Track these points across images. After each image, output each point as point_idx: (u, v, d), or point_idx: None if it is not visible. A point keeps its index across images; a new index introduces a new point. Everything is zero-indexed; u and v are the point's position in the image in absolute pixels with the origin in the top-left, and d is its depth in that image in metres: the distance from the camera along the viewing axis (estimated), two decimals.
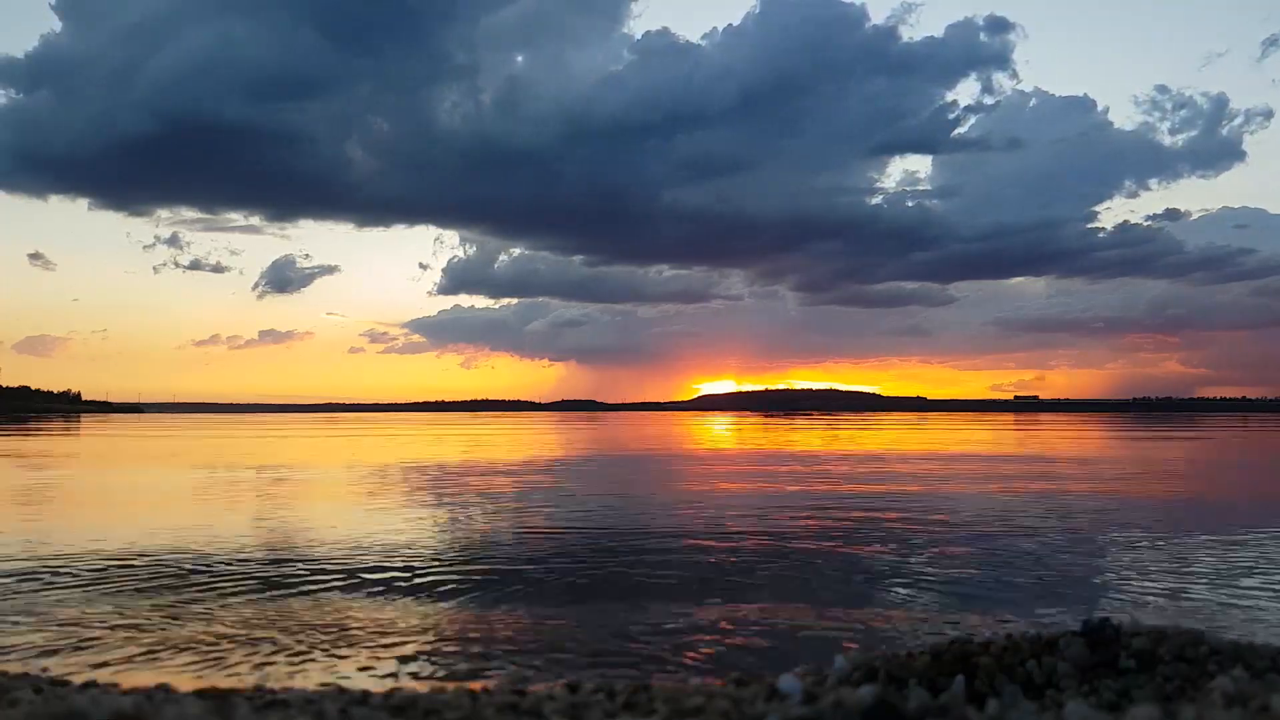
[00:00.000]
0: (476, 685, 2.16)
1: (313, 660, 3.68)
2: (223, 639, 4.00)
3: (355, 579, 5.46)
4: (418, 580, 5.45)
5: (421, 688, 2.17)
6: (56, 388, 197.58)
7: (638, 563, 6.05)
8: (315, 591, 5.08)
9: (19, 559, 6.11)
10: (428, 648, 3.92)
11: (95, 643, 3.93)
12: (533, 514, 8.86)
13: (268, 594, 5.01)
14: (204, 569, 5.75)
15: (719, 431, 38.26)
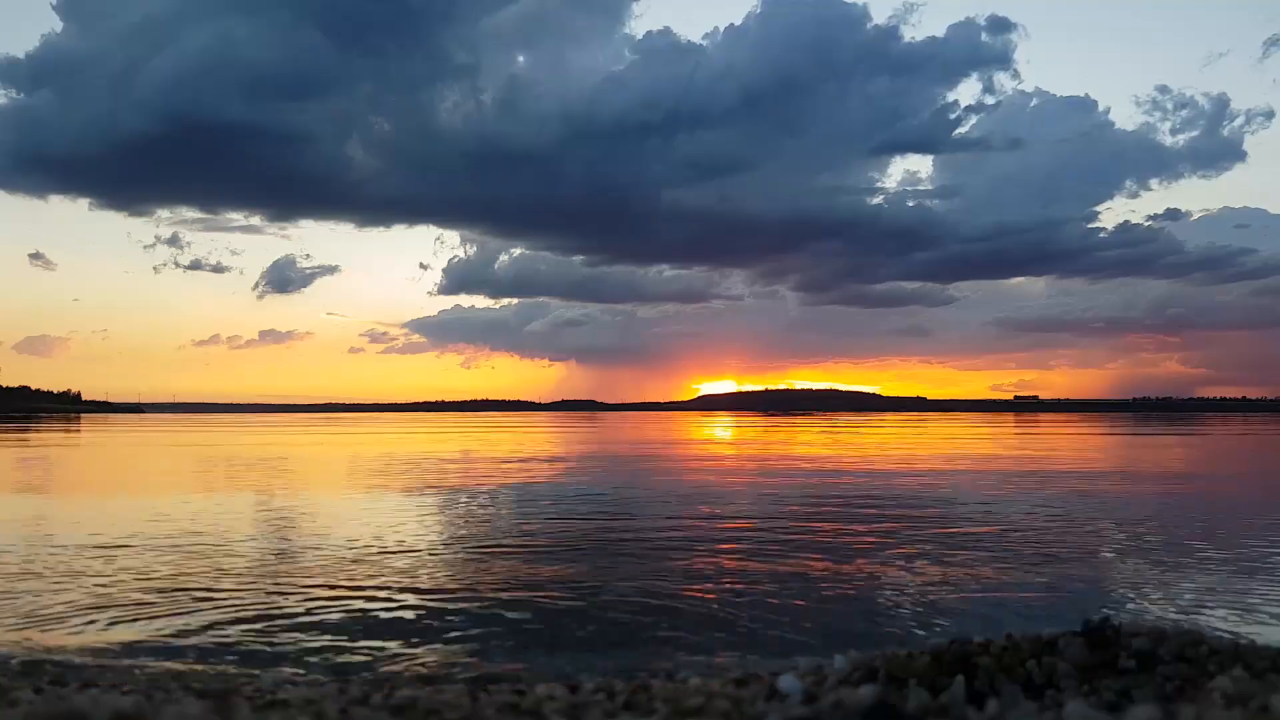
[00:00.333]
0: (476, 685, 2.16)
1: (312, 660, 3.68)
2: (224, 637, 4.00)
3: (355, 579, 5.46)
4: (418, 579, 5.45)
5: (421, 688, 2.17)
6: (57, 388, 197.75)
7: (639, 563, 6.04)
8: (315, 591, 5.08)
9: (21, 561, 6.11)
10: (429, 647, 3.92)
11: (95, 643, 3.93)
12: (534, 513, 8.86)
13: (268, 591, 5.01)
14: (205, 571, 5.76)
15: (724, 434, 38.28)
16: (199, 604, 4.74)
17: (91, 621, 4.35)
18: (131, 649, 3.85)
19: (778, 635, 4.18)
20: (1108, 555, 6.43)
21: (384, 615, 4.50)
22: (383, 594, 5.02)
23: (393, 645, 3.95)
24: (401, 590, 5.14)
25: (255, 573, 5.65)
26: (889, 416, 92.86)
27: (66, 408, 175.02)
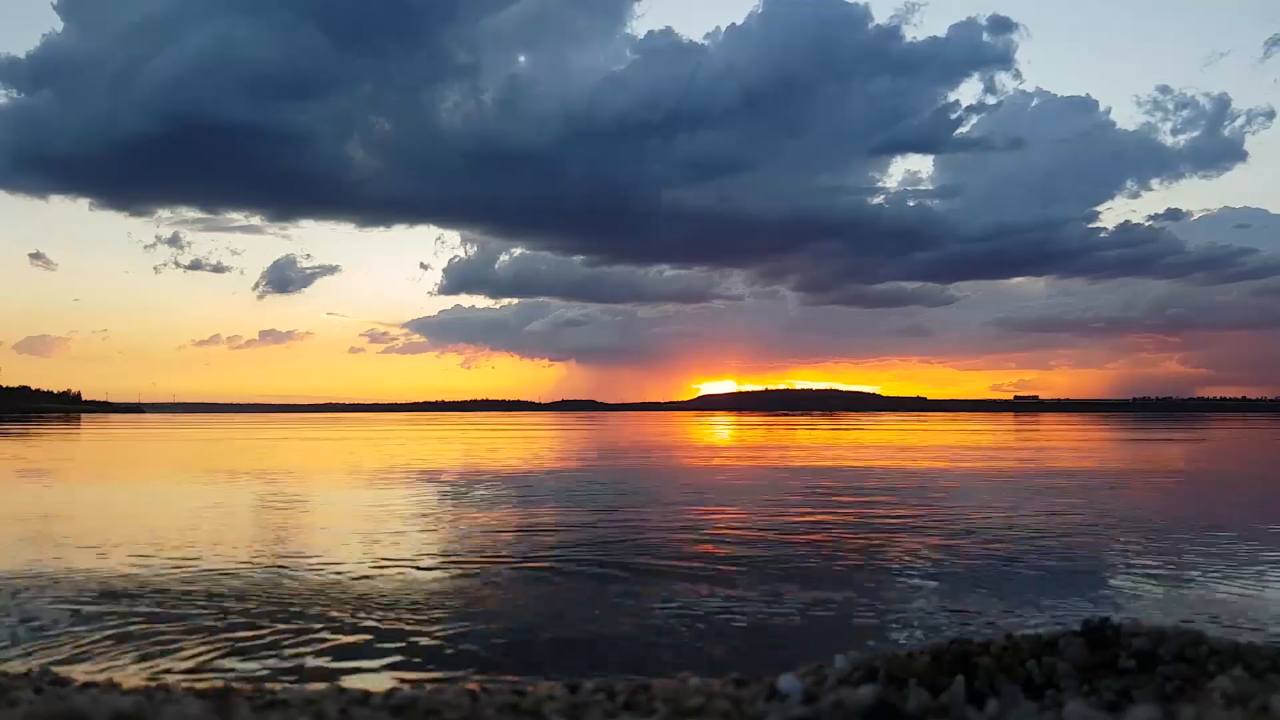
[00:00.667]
0: (476, 685, 2.16)
1: (312, 659, 3.69)
2: (224, 637, 4.00)
3: (355, 578, 5.46)
4: (418, 579, 5.45)
5: (421, 688, 2.17)
6: (57, 387, 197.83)
7: (641, 560, 6.04)
8: (315, 588, 5.08)
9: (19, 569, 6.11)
10: (429, 647, 3.92)
11: (95, 644, 3.93)
12: (534, 512, 8.86)
13: (269, 586, 5.01)
14: (207, 571, 5.76)
15: (724, 434, 38.27)
16: (199, 603, 4.74)
17: (91, 621, 4.35)
18: (131, 649, 3.85)
19: (777, 635, 4.18)
20: (1108, 555, 6.43)
21: (384, 615, 4.50)
22: (383, 594, 5.02)
23: (393, 645, 3.95)
24: (401, 590, 5.14)
25: (255, 572, 5.65)
26: (889, 416, 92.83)
27: (66, 408, 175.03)
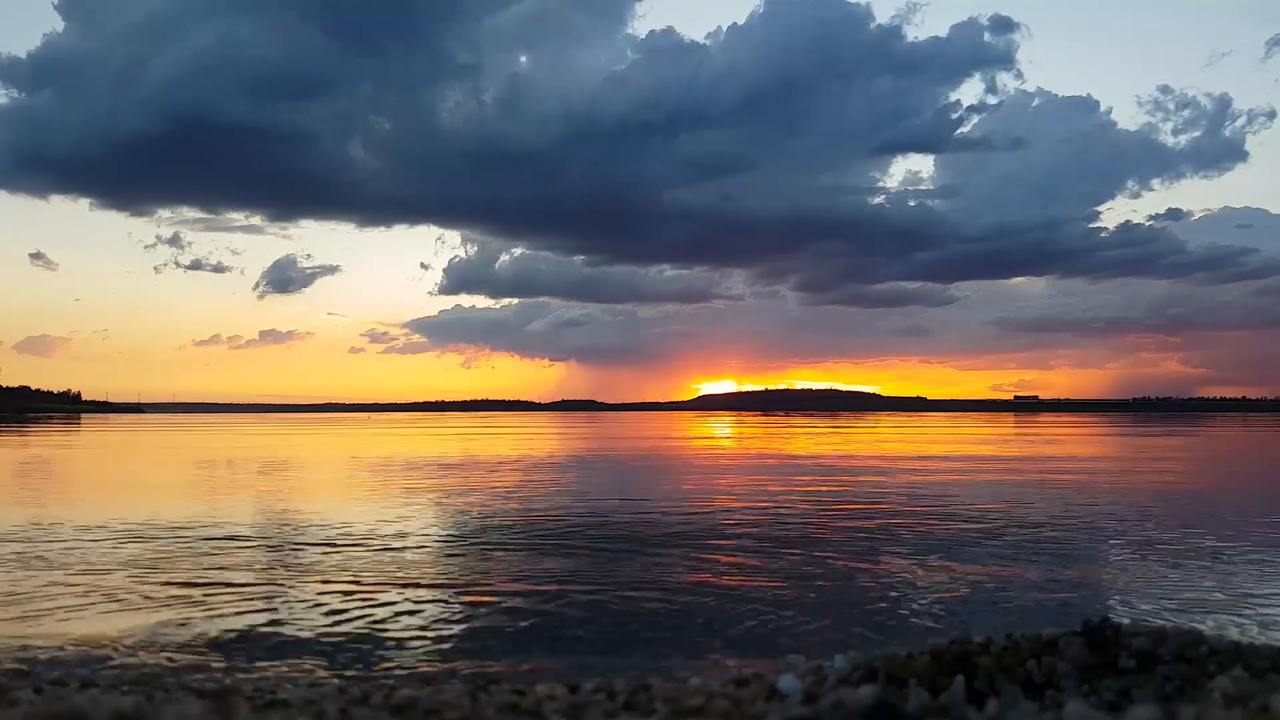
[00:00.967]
0: (476, 685, 2.16)
1: (312, 659, 3.68)
2: (223, 637, 4.00)
3: (354, 578, 5.46)
4: (418, 580, 5.45)
5: (421, 688, 2.17)
6: (57, 388, 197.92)
7: (639, 562, 6.04)
8: (315, 590, 5.08)
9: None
10: (429, 646, 3.92)
11: (96, 644, 3.93)
12: (534, 512, 8.86)
13: (268, 590, 5.01)
14: (214, 554, 5.76)
15: (724, 433, 38.26)
16: (199, 603, 4.74)
17: (92, 621, 4.35)
18: (131, 648, 3.85)
19: (778, 635, 4.18)
20: (1108, 555, 6.43)
21: (384, 615, 4.50)
22: (383, 594, 5.02)
23: (393, 645, 3.95)
24: (401, 590, 5.14)
25: (254, 572, 5.65)
26: (889, 417, 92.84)
27: (66, 408, 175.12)
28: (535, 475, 14.16)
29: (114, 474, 15.46)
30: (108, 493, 11.85)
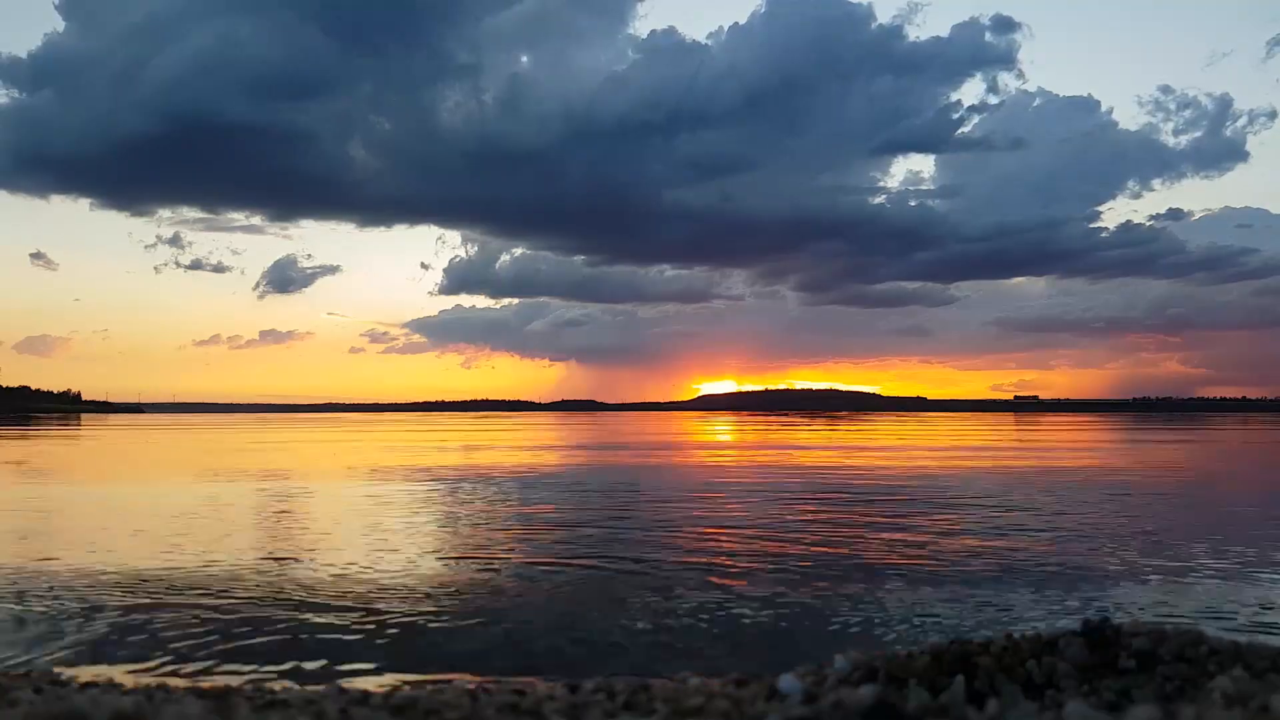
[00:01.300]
0: (476, 685, 2.16)
1: (312, 659, 3.68)
2: (223, 636, 4.00)
3: (354, 577, 5.46)
4: (418, 580, 5.45)
5: (421, 688, 2.17)
6: (57, 387, 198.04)
7: (639, 562, 6.04)
8: (315, 590, 5.08)
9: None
10: (429, 646, 3.92)
11: (95, 644, 3.93)
12: (534, 512, 8.86)
13: (270, 583, 5.01)
14: (210, 567, 5.76)
15: (723, 433, 38.28)
16: (198, 603, 4.74)
17: (91, 621, 4.35)
18: (131, 648, 3.85)
19: (778, 635, 4.18)
20: (1108, 555, 6.42)
21: (384, 614, 4.50)
22: (383, 594, 5.02)
23: (393, 644, 3.95)
24: (401, 590, 5.14)
25: (254, 571, 5.65)
26: (889, 417, 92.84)
27: (66, 408, 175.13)
28: (534, 477, 14.16)
29: (112, 474, 15.46)
30: (107, 490, 11.85)
